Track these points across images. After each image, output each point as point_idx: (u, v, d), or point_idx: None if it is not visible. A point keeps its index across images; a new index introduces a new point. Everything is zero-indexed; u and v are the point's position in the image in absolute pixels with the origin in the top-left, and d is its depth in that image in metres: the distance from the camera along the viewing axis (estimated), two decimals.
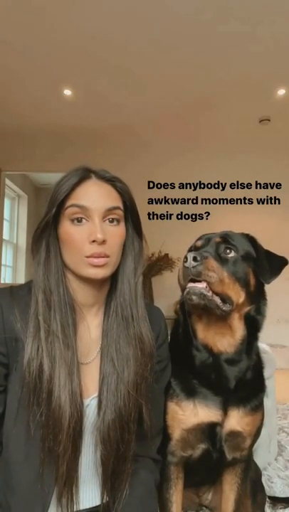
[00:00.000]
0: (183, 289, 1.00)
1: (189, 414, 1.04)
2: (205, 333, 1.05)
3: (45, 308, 0.86)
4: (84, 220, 0.87)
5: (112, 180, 0.92)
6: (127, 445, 0.89)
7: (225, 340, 1.03)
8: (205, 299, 0.95)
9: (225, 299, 0.97)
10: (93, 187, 0.89)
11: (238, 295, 1.00)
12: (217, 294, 0.96)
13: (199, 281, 0.95)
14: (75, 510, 0.87)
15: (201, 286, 0.95)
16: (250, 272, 1.03)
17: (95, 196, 0.88)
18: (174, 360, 1.09)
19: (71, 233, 0.87)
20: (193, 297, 0.95)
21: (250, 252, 1.04)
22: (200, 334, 1.06)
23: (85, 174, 0.90)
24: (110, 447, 0.87)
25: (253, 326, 1.06)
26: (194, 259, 0.94)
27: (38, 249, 0.90)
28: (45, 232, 0.89)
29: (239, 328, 1.04)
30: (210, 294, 0.95)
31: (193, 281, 0.97)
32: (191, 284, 0.96)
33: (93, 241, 0.86)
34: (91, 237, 0.86)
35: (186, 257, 0.95)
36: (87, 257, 0.86)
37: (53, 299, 0.87)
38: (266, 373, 1.17)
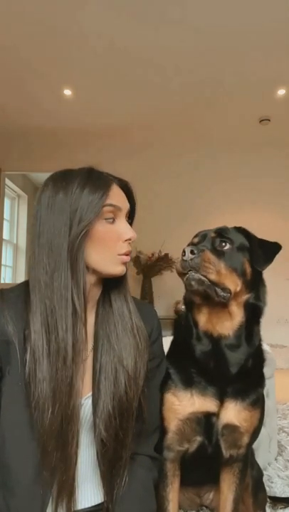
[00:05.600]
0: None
1: (186, 403, 1.06)
2: (205, 321, 1.08)
3: (82, 307, 0.87)
4: (112, 220, 0.91)
5: (121, 184, 0.96)
6: (126, 431, 0.90)
7: (224, 325, 1.06)
8: (204, 284, 0.99)
9: (223, 289, 1.02)
10: (117, 188, 0.94)
11: (235, 284, 1.04)
12: (215, 285, 1.00)
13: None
14: (74, 510, 0.87)
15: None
16: (245, 261, 1.07)
17: (121, 197, 0.94)
18: (176, 354, 1.13)
19: (105, 232, 0.90)
20: (192, 283, 0.99)
21: (244, 243, 1.09)
22: (201, 322, 1.08)
23: (108, 176, 0.94)
24: (111, 432, 0.88)
25: (253, 312, 1.09)
26: (192, 252, 0.99)
27: (79, 250, 0.87)
28: (86, 234, 0.87)
29: (238, 315, 1.06)
30: (207, 280, 0.99)
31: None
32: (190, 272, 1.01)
33: (126, 239, 0.91)
34: (126, 235, 0.91)
35: (184, 251, 1.00)
36: (120, 254, 0.91)
37: (74, 298, 0.87)
38: (266, 373, 1.17)
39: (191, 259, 0.98)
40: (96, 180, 0.90)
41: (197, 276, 0.99)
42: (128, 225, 0.93)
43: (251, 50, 3.46)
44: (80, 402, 0.88)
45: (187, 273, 1.00)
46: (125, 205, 0.94)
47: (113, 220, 0.91)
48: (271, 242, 1.12)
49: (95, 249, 0.89)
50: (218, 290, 1.01)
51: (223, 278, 1.01)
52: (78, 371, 0.85)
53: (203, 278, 0.99)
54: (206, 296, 1.03)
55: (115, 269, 0.92)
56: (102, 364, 0.91)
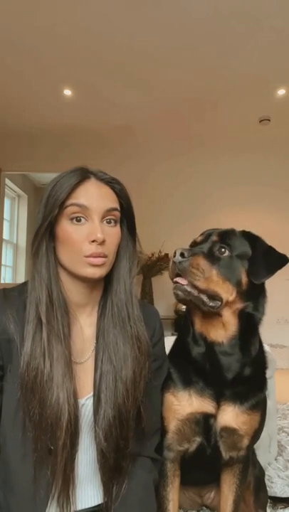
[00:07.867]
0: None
1: (184, 404, 1.05)
2: (201, 324, 1.06)
3: (49, 308, 0.87)
4: (83, 220, 0.87)
5: (110, 182, 0.93)
6: (126, 441, 0.89)
7: (217, 333, 1.04)
8: (190, 295, 0.97)
9: (213, 296, 0.99)
10: (93, 187, 0.89)
11: (228, 293, 1.00)
12: (203, 292, 0.97)
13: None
14: (74, 509, 0.88)
15: (185, 283, 0.97)
16: (243, 271, 1.03)
17: (94, 196, 0.88)
18: (177, 354, 1.12)
19: (70, 232, 0.87)
20: (179, 293, 0.98)
21: (246, 252, 1.05)
22: (197, 324, 1.07)
23: (84, 174, 0.90)
24: (111, 443, 0.88)
25: (250, 322, 1.05)
26: (182, 254, 0.97)
27: (39, 249, 0.89)
28: (46, 233, 0.88)
29: (231, 324, 1.04)
30: (194, 291, 0.97)
31: (179, 276, 0.99)
32: (177, 279, 0.98)
33: (93, 241, 0.86)
34: (91, 236, 0.86)
35: (175, 252, 0.97)
36: (86, 256, 0.86)
37: (54, 298, 0.88)
38: (267, 373, 1.16)
39: (180, 262, 0.96)
40: (64, 179, 0.88)
41: (183, 287, 0.97)
42: (98, 225, 0.86)
43: (251, 49, 3.46)
44: (79, 402, 0.88)
45: (173, 281, 0.97)
46: (98, 205, 0.88)
47: (85, 220, 0.87)
48: (279, 254, 1.06)
49: (63, 249, 0.89)
50: (206, 300, 0.98)
51: (213, 285, 0.98)
52: (57, 372, 0.84)
53: (188, 289, 0.96)
54: (195, 305, 1.01)
55: (83, 271, 0.87)
56: (102, 373, 0.91)
